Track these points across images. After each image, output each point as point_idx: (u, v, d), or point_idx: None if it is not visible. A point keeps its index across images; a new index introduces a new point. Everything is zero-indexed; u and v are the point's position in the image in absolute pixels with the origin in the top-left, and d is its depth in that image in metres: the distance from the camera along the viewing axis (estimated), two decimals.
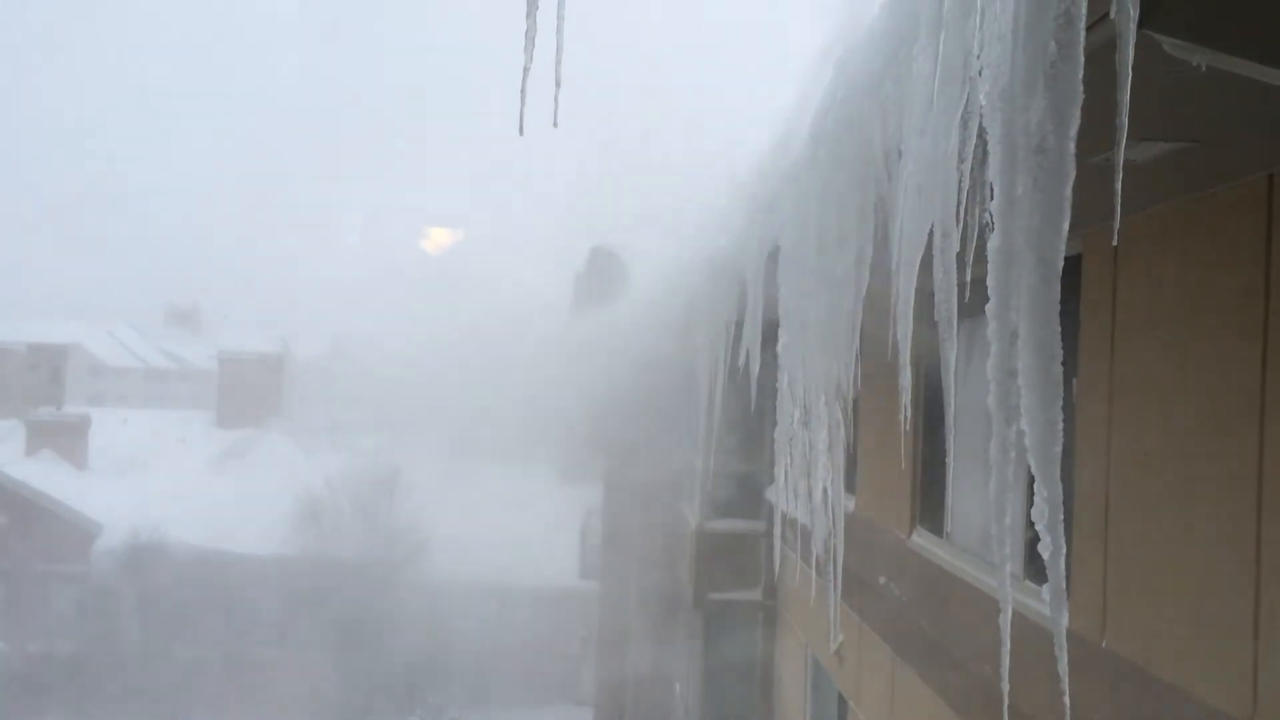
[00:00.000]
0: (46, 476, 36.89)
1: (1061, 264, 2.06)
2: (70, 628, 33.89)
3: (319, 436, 42.45)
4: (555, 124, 2.94)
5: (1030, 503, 2.17)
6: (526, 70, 2.79)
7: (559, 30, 2.83)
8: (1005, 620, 2.46)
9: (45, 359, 44.43)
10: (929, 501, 7.41)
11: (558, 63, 2.88)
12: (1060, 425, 2.08)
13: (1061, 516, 2.12)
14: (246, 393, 44.44)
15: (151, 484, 36.96)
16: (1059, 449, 2.08)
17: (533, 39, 2.78)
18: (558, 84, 2.91)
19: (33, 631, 34.38)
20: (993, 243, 2.13)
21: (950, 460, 3.90)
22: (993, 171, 2.13)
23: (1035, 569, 5.28)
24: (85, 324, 67.02)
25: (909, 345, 3.37)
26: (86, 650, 33.14)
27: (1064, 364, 2.09)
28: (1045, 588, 2.26)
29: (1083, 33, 2.01)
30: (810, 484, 5.29)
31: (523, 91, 2.81)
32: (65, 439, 39.12)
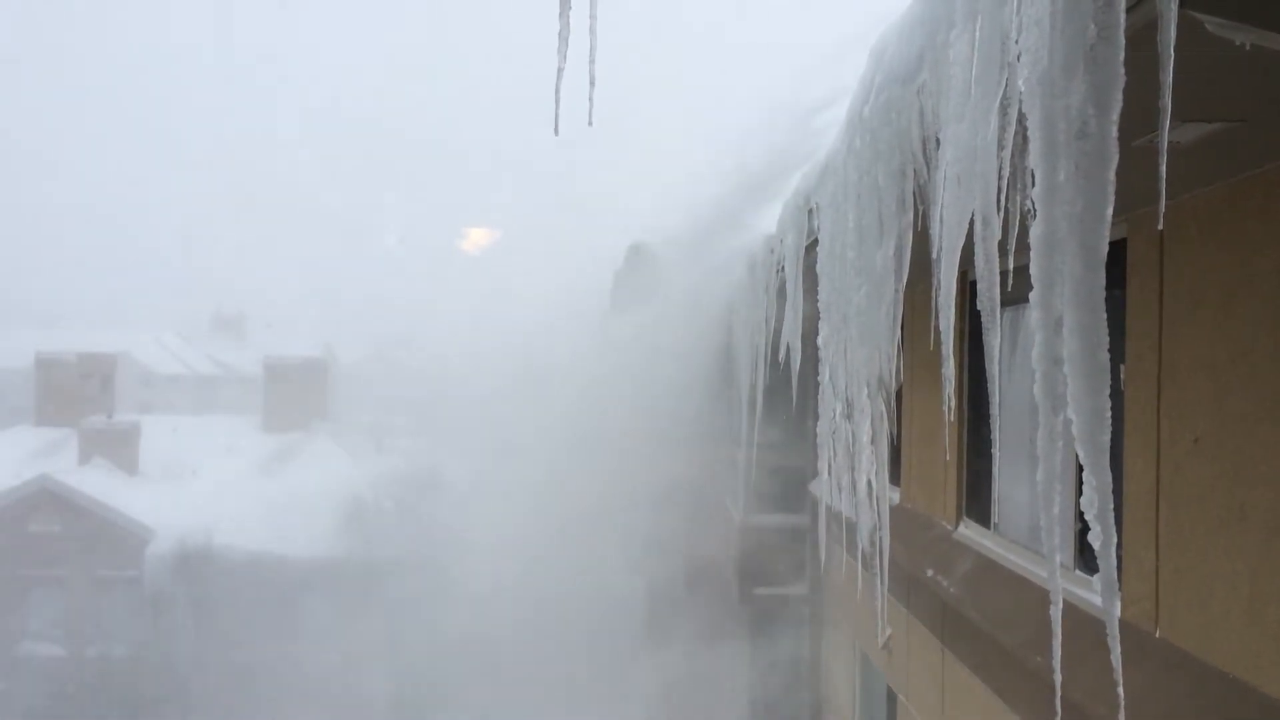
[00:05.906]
0: (99, 484, 37.50)
1: (1106, 249, 2.03)
2: (125, 632, 34.53)
3: (364, 439, 42.84)
4: (590, 122, 2.95)
5: (1079, 492, 2.15)
6: (560, 71, 2.79)
7: (592, 30, 2.84)
8: (1056, 611, 2.43)
9: (95, 368, 44.99)
10: (975, 492, 7.35)
11: (591, 62, 2.88)
12: (1108, 413, 2.05)
13: (1112, 505, 2.09)
14: (292, 397, 44.86)
15: (201, 489, 37.44)
16: (1107, 437, 2.06)
17: (566, 39, 2.79)
18: (592, 83, 2.91)
19: (88, 636, 35.06)
20: (1035, 230, 2.11)
21: (996, 450, 3.87)
22: (1033, 158, 2.11)
23: (1086, 559, 5.22)
24: (133, 332, 67.99)
25: (951, 335, 3.34)
26: (141, 654, 33.77)
27: (1110, 350, 2.06)
28: (1096, 578, 2.24)
29: (1123, 14, 1.98)
30: (854, 477, 5.26)
31: (557, 91, 2.81)
32: (116, 447, 39.72)
